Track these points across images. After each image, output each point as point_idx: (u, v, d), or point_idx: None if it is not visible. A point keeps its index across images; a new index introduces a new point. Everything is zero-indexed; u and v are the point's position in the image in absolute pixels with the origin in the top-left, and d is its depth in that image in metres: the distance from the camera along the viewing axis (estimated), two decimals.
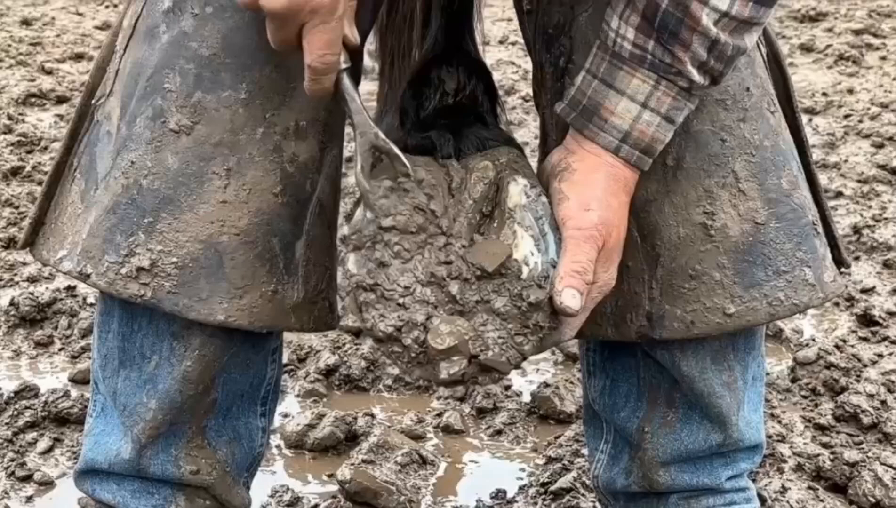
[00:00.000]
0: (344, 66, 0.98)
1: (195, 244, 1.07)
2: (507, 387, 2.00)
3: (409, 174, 1.00)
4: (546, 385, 1.96)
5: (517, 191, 1.04)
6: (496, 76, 3.10)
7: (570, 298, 0.99)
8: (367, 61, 1.85)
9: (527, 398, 1.98)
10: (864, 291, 2.33)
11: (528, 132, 3.14)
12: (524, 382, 2.05)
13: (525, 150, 1.14)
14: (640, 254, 1.12)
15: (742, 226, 1.11)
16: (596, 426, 1.35)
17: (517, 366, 1.02)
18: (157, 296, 1.07)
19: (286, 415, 1.91)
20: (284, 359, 2.01)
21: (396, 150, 1.00)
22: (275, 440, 1.84)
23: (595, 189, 1.03)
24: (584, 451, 1.74)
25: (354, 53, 0.99)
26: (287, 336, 2.07)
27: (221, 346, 1.14)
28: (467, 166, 1.06)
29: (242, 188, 1.07)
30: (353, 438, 1.85)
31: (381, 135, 0.99)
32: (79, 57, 3.91)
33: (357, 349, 2.07)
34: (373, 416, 1.91)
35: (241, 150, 1.06)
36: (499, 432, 1.89)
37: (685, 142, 1.10)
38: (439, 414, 1.93)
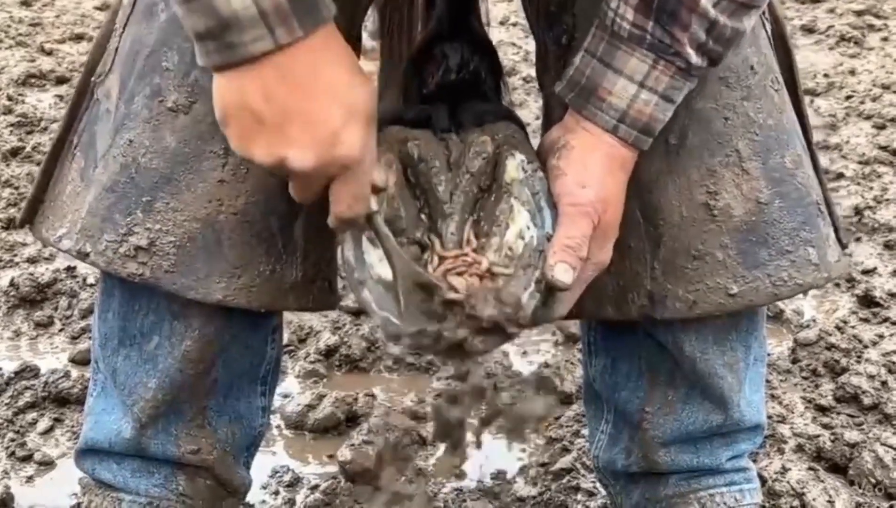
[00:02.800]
0: (375, 207, 0.96)
1: (193, 223, 1.06)
2: (508, 367, 1.99)
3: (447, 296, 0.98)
4: (546, 365, 1.95)
5: (514, 165, 1.04)
6: None
7: (562, 272, 0.99)
8: (367, 41, 1.84)
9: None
10: (864, 272, 2.32)
11: (529, 113, 3.13)
12: (525, 362, 2.04)
13: (526, 130, 1.14)
14: (643, 234, 1.11)
15: (745, 205, 1.11)
16: (596, 406, 1.35)
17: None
18: (156, 275, 1.07)
19: (286, 396, 1.91)
20: (284, 340, 1.98)
21: (438, 282, 0.98)
22: (275, 420, 1.84)
23: (592, 166, 1.02)
24: (585, 432, 1.73)
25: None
26: (287, 316, 2.06)
27: (221, 326, 1.14)
28: (465, 140, 1.06)
29: (240, 167, 1.06)
30: (353, 419, 1.84)
31: (422, 271, 0.98)
32: (79, 37, 3.89)
33: (357, 329, 2.07)
34: (373, 397, 1.90)
35: None
36: (499, 412, 1.88)
37: (688, 120, 1.09)
38: (440, 395, 1.92)
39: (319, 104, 0.86)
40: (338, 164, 0.89)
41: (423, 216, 1.04)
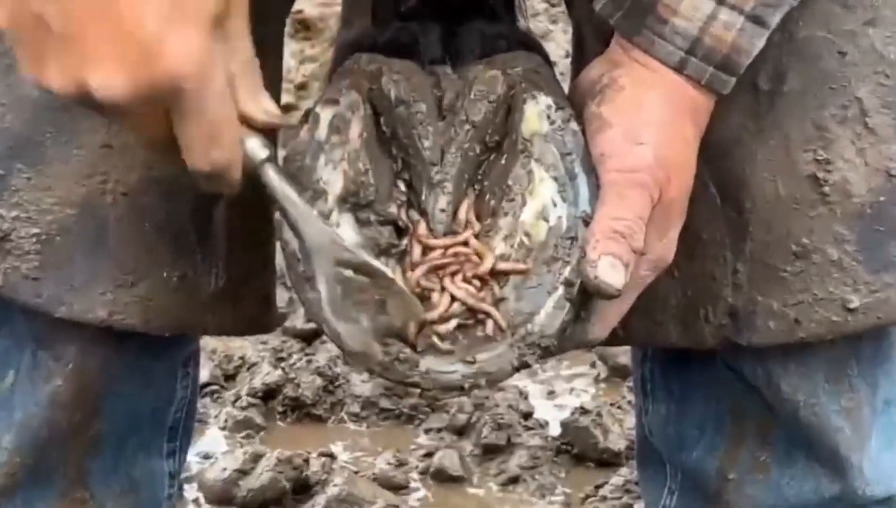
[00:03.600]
0: (262, 155, 0.93)
1: (65, 208, 1.06)
2: (527, 415, 2.00)
3: (395, 286, 0.98)
4: (583, 411, 1.97)
5: (536, 113, 1.04)
6: None
7: (607, 271, 0.97)
8: None
9: (555, 430, 2.00)
10: None
11: (555, 47, 3.14)
12: (551, 407, 2.06)
13: (552, 65, 1.13)
14: (721, 221, 1.11)
15: (870, 180, 1.10)
16: (655, 470, 1.35)
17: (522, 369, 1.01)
18: (10, 283, 1.07)
19: (207, 457, 1.93)
20: (204, 375, 2.00)
21: (371, 260, 0.97)
22: (191, 492, 1.86)
23: (649, 115, 1.01)
24: (639, 506, 1.73)
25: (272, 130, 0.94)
26: (207, 342, 2.05)
27: (107, 357, 1.15)
28: (466, 77, 1.06)
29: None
30: (303, 489, 1.86)
31: (344, 242, 0.96)
32: None
33: (309, 361, 2.08)
34: (332, 457, 1.92)
35: None
36: (514, 479, 1.90)
37: (787, 55, 1.08)
38: (428, 454, 1.93)
39: None
40: (164, 88, 0.84)
41: (401, 184, 1.04)
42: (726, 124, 1.08)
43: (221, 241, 1.11)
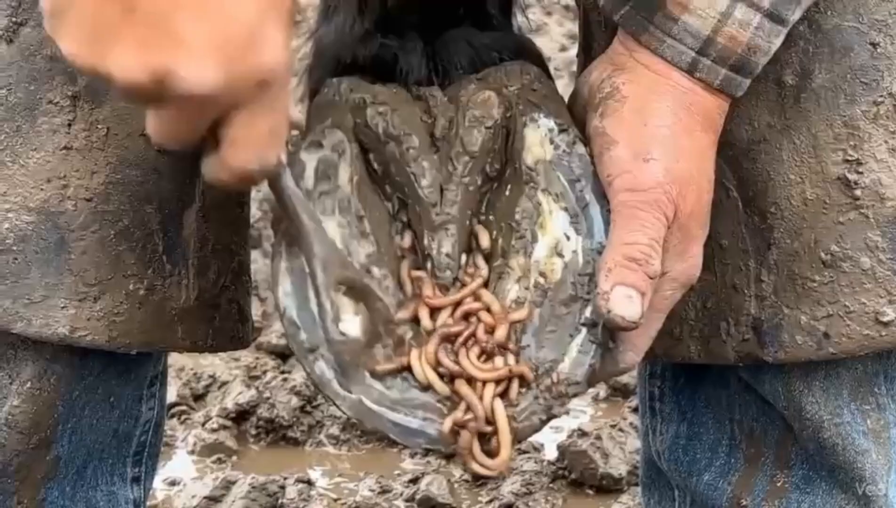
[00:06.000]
0: (282, 159, 0.93)
1: (22, 215, 1.07)
2: None
3: (390, 315, 1.00)
4: (581, 433, 1.97)
5: (538, 137, 1.03)
6: None
7: (622, 302, 0.96)
8: None
9: (551, 453, 2.01)
10: None
11: (549, 42, 3.15)
12: (547, 429, 2.03)
13: (551, 73, 1.13)
14: (743, 227, 1.11)
15: None
16: (662, 495, 1.36)
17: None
18: None
19: (175, 483, 1.94)
20: (172, 395, 2.00)
21: (372, 285, 0.98)
22: None
23: (656, 127, 1.01)
24: None
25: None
26: (175, 359, 2.03)
27: (68, 376, 1.14)
28: (458, 99, 1.05)
29: (96, 126, 1.06)
30: None
31: (352, 260, 0.98)
32: None
33: (285, 380, 2.08)
34: (310, 483, 1.93)
35: None
36: (508, 507, 1.89)
37: (814, 47, 1.08)
38: (414, 480, 1.94)
39: None
40: (255, 82, 0.84)
41: (399, 226, 1.04)
42: (749, 122, 1.08)
43: (192, 250, 1.10)
